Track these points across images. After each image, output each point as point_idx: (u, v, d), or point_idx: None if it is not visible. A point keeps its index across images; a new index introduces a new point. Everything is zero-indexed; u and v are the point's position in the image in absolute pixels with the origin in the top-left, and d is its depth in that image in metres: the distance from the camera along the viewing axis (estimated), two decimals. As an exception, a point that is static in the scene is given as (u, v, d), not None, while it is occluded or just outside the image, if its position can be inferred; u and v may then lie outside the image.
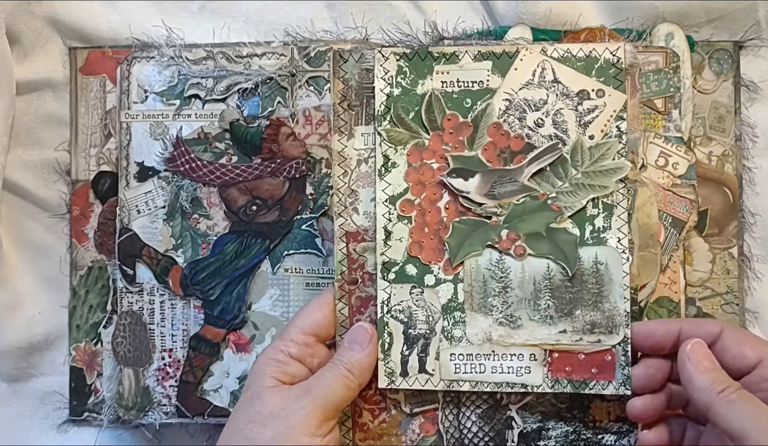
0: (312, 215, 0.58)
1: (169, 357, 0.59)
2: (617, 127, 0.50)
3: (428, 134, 0.51)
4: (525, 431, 0.53)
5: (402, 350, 0.51)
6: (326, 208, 0.58)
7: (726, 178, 0.58)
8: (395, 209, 0.51)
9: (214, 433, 0.60)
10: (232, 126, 0.59)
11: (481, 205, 0.50)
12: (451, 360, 0.50)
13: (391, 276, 0.51)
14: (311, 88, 0.58)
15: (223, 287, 0.58)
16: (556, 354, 0.50)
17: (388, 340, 0.51)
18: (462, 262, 0.50)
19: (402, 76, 0.51)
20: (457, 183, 0.50)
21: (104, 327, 0.60)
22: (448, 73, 0.51)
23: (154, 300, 0.59)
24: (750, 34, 0.59)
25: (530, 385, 0.50)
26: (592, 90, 0.50)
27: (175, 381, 0.59)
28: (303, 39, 0.59)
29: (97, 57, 0.60)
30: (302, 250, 0.58)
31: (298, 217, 0.58)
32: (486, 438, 0.53)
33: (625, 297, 0.49)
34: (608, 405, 0.52)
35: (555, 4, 0.58)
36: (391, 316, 0.51)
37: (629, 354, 0.49)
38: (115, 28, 0.60)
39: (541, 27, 0.58)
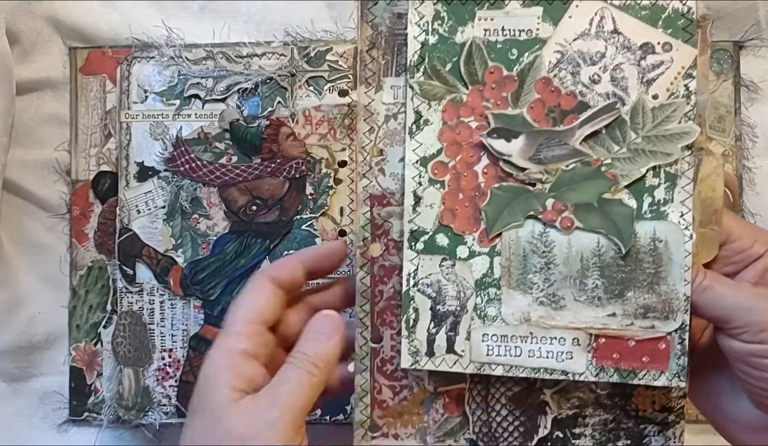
0: (312, 215, 0.58)
1: (169, 357, 0.59)
2: (685, 86, 0.44)
3: (467, 89, 0.45)
4: (560, 417, 0.48)
5: (429, 328, 0.46)
6: (326, 207, 0.58)
7: (726, 178, 0.58)
8: (426, 172, 0.46)
9: (214, 433, 0.60)
10: (232, 126, 0.59)
11: (524, 170, 0.45)
12: (483, 341, 0.45)
13: (420, 246, 0.46)
14: (311, 88, 0.58)
15: (223, 287, 0.58)
16: (603, 340, 0.45)
17: (413, 316, 0.46)
18: (500, 234, 0.45)
19: (439, 21, 0.45)
20: (498, 144, 0.45)
21: (104, 327, 0.60)
22: (492, 19, 0.45)
23: (154, 300, 0.59)
24: (750, 34, 0.59)
25: (572, 372, 0.45)
26: (658, 43, 0.44)
27: (175, 381, 0.59)
28: (303, 39, 0.59)
29: (97, 57, 0.60)
30: (302, 250, 0.58)
31: (298, 216, 0.58)
32: (516, 423, 0.48)
33: (685, 280, 0.44)
34: (653, 394, 0.48)
35: None
36: (418, 290, 0.46)
37: (686, 342, 0.44)
38: (115, 28, 0.60)
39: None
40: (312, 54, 0.58)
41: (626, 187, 0.44)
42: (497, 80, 0.45)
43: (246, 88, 0.58)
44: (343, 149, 0.58)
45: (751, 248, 0.44)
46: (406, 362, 0.46)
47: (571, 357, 0.45)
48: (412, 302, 0.46)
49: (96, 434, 0.60)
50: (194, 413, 0.43)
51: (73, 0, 0.60)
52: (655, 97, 0.44)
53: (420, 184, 0.46)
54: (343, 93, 0.58)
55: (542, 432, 0.48)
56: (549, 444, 0.48)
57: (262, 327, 0.45)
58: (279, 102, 0.58)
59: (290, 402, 0.42)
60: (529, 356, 0.45)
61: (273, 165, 0.58)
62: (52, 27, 0.61)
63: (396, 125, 0.47)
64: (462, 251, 0.45)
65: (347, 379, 0.48)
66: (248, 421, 0.41)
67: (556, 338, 0.45)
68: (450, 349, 0.46)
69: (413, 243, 0.46)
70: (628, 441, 0.48)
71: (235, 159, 0.59)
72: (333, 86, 0.58)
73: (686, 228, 0.44)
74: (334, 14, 0.60)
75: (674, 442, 0.48)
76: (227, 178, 0.58)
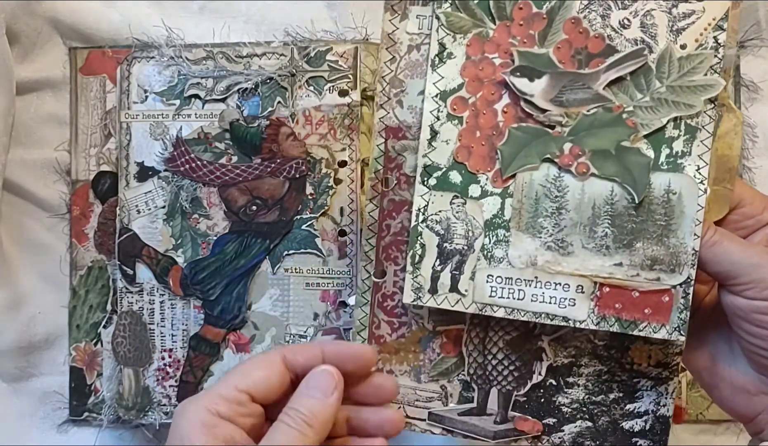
0: (312, 215, 0.58)
1: (169, 357, 0.59)
2: (715, 37, 0.43)
3: (494, 24, 0.44)
4: (555, 365, 0.48)
5: (434, 265, 0.45)
6: (326, 207, 0.58)
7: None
8: (446, 106, 0.45)
9: (214, 433, 0.60)
10: (232, 126, 0.59)
11: (545, 111, 0.44)
12: (487, 281, 0.45)
13: (432, 181, 0.45)
14: (311, 88, 0.58)
15: (223, 287, 0.58)
16: (607, 289, 0.44)
17: (419, 252, 0.45)
18: (514, 175, 0.44)
19: None
20: (521, 83, 0.44)
21: (104, 327, 0.60)
22: None
23: (154, 300, 0.59)
24: (750, 34, 0.59)
25: (573, 319, 0.44)
26: None
27: (175, 381, 0.59)
28: (303, 39, 0.59)
29: (97, 57, 0.60)
30: (302, 250, 0.58)
31: (298, 216, 0.58)
32: (511, 367, 0.48)
33: (695, 235, 0.43)
34: (650, 348, 0.48)
35: None
36: (426, 226, 0.45)
37: (690, 297, 0.44)
38: (115, 28, 0.60)
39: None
40: (312, 54, 0.58)
41: (645, 136, 0.44)
42: (526, 17, 0.44)
43: (246, 88, 0.58)
44: (343, 149, 0.58)
45: (761, 214, 0.45)
46: (408, 297, 0.46)
47: (574, 304, 0.45)
48: (419, 238, 0.45)
49: (96, 434, 0.60)
50: None
51: (73, 0, 0.60)
52: (683, 46, 0.44)
53: (438, 118, 0.45)
54: (343, 93, 0.58)
55: (536, 378, 0.48)
56: (541, 391, 0.49)
57: (246, 397, 0.42)
58: (279, 102, 0.58)
59: None
60: (531, 300, 0.45)
61: (273, 165, 0.58)
62: (52, 27, 0.61)
63: (419, 56, 0.46)
64: (474, 190, 0.45)
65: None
66: None
67: (560, 284, 0.45)
68: (453, 288, 0.45)
69: (426, 179, 0.45)
70: (620, 394, 0.48)
71: (235, 159, 0.59)
72: (333, 86, 0.58)
73: (701, 182, 0.44)
74: (334, 14, 0.60)
75: (666, 398, 0.48)
76: (227, 178, 0.58)
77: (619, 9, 0.44)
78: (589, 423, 0.49)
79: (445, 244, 0.45)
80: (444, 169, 0.45)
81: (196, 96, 0.59)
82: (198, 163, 0.59)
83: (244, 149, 0.59)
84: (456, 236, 0.45)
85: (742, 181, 0.48)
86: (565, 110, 0.44)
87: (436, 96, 0.45)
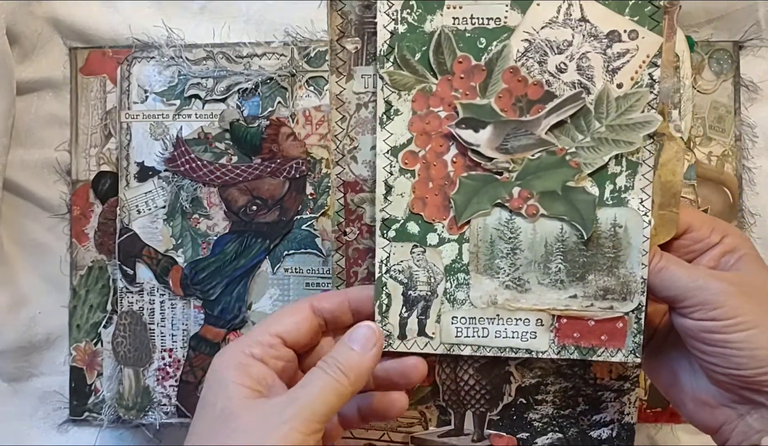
0: (312, 215, 0.58)
1: (170, 356, 0.59)
2: (650, 74, 0.45)
3: (436, 78, 0.46)
4: (523, 385, 0.52)
5: (401, 312, 0.47)
6: (326, 207, 0.58)
7: (726, 178, 0.58)
8: (397, 161, 0.46)
9: (214, 433, 0.60)
10: (232, 126, 0.59)
11: (491, 159, 0.46)
12: (452, 323, 0.47)
13: (392, 234, 0.47)
14: (311, 88, 0.58)
15: (224, 287, 0.58)
16: (565, 320, 0.47)
17: (386, 301, 0.47)
18: (468, 221, 0.47)
19: (408, 10, 0.45)
20: (467, 134, 0.45)
21: (104, 327, 0.60)
22: (461, 7, 0.45)
23: (154, 300, 0.59)
24: (750, 34, 0.59)
25: (536, 351, 0.47)
26: (624, 31, 0.44)
27: (176, 381, 0.59)
28: (303, 39, 0.59)
29: (97, 57, 0.60)
30: (302, 250, 0.58)
31: (298, 216, 0.58)
32: (483, 391, 0.52)
33: (642, 264, 0.46)
34: (611, 364, 0.51)
35: None
36: (390, 276, 0.47)
37: (642, 321, 0.46)
38: (116, 28, 0.60)
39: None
40: (312, 54, 0.58)
41: (589, 175, 0.46)
42: (466, 70, 0.46)
43: (246, 88, 0.58)
44: (343, 149, 0.58)
45: (709, 237, 0.47)
46: None
47: (535, 337, 0.47)
48: (384, 288, 0.47)
49: (96, 434, 0.61)
50: (204, 406, 0.42)
51: (74, 0, 0.60)
52: (619, 86, 0.45)
53: (391, 173, 0.47)
54: (343, 93, 0.58)
55: (507, 399, 0.52)
56: (513, 409, 0.52)
57: (278, 341, 0.45)
58: (279, 102, 0.58)
59: (308, 403, 0.41)
60: (495, 336, 0.47)
61: (273, 165, 0.58)
62: (53, 27, 0.61)
63: (367, 114, 0.48)
64: (432, 238, 0.47)
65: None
66: (260, 418, 0.41)
67: (521, 319, 0.47)
68: (421, 332, 0.48)
69: (385, 231, 0.47)
70: (587, 407, 0.52)
71: (235, 159, 0.59)
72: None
73: (645, 214, 0.46)
74: (334, 14, 0.60)
75: (629, 407, 0.52)
76: (227, 178, 0.59)
77: (556, 54, 0.45)
78: (560, 435, 0.53)
79: (409, 292, 0.47)
80: (402, 221, 0.47)
81: (197, 96, 0.59)
82: (198, 163, 0.59)
83: (244, 149, 0.59)
84: (419, 283, 0.47)
85: (691, 207, 0.51)
86: (510, 157, 0.46)
87: (388, 152, 0.47)
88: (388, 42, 0.46)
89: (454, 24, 0.45)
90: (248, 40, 0.59)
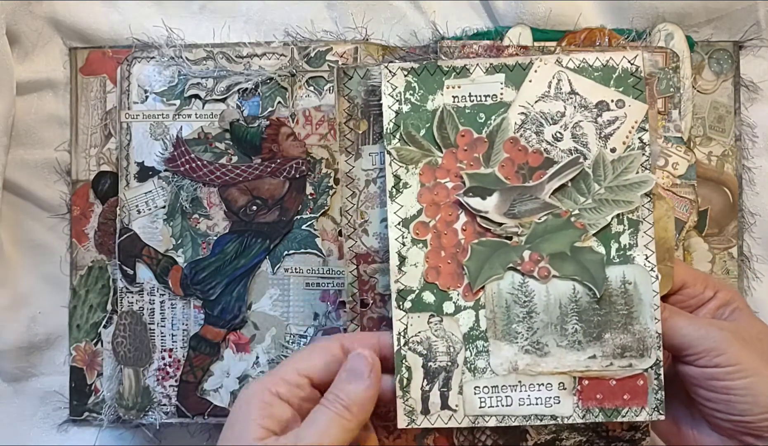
0: (312, 215, 0.58)
1: (170, 357, 0.59)
2: (639, 138, 0.48)
3: (441, 152, 0.48)
4: (539, 442, 0.52)
5: (422, 385, 0.47)
6: (326, 207, 0.58)
7: (726, 178, 0.58)
8: (409, 232, 0.48)
9: (214, 433, 0.60)
10: (232, 126, 0.59)
11: (500, 224, 0.48)
12: (475, 393, 0.47)
13: (408, 304, 0.48)
14: (311, 88, 0.58)
15: (223, 287, 0.58)
16: (587, 382, 0.47)
17: (406, 375, 0.47)
18: (483, 287, 0.48)
19: (411, 91, 0.49)
20: (475, 202, 0.48)
21: (104, 327, 0.60)
22: (459, 87, 0.49)
23: (154, 300, 0.59)
24: (750, 34, 0.59)
25: (561, 416, 0.47)
26: (612, 101, 0.48)
27: (176, 380, 0.59)
28: (303, 39, 0.59)
29: (97, 57, 0.60)
30: (302, 250, 0.58)
31: (298, 216, 0.58)
32: None
33: (655, 318, 0.47)
34: None
35: (555, 5, 0.58)
36: (409, 349, 0.47)
37: (662, 377, 0.47)
38: (116, 28, 0.60)
39: (541, 27, 0.58)
40: (312, 54, 0.59)
41: (594, 235, 0.48)
42: (468, 142, 0.48)
43: (246, 88, 0.58)
44: (343, 149, 0.58)
45: (702, 293, 0.49)
46: (402, 422, 0.48)
47: (559, 402, 0.47)
48: (404, 361, 0.48)
49: (96, 434, 0.61)
50: (226, 439, 0.44)
51: (74, 0, 0.60)
52: (613, 150, 0.48)
53: (403, 244, 0.48)
54: (343, 93, 0.58)
55: None
56: None
57: (306, 381, 0.45)
58: (279, 102, 0.58)
59: (314, 442, 0.41)
60: (519, 404, 0.48)
61: (273, 165, 0.58)
62: (53, 27, 0.61)
63: (376, 189, 0.50)
64: (448, 306, 0.48)
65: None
66: None
67: (543, 384, 0.48)
68: (444, 405, 0.48)
69: (401, 303, 0.48)
70: None
71: (235, 159, 0.59)
72: (333, 86, 0.58)
73: (652, 269, 0.48)
74: (334, 14, 0.60)
75: None
76: (227, 178, 0.59)
77: (551, 124, 0.48)
78: None
79: (429, 363, 0.48)
80: (417, 291, 0.48)
81: (197, 96, 0.59)
82: (198, 163, 0.59)
83: (244, 149, 0.59)
84: (439, 353, 0.48)
85: (685, 264, 0.54)
86: (518, 221, 0.48)
87: (399, 224, 0.48)
88: (393, 120, 0.49)
89: (454, 102, 0.49)
90: (248, 40, 0.60)
